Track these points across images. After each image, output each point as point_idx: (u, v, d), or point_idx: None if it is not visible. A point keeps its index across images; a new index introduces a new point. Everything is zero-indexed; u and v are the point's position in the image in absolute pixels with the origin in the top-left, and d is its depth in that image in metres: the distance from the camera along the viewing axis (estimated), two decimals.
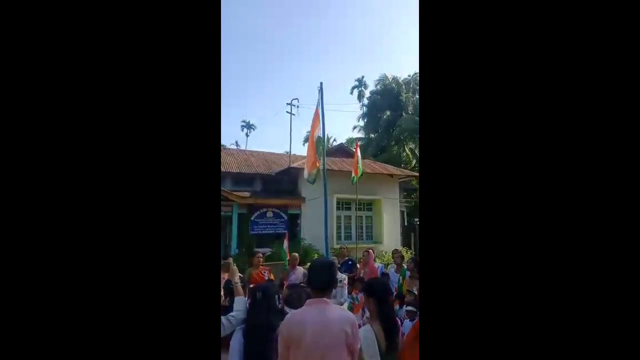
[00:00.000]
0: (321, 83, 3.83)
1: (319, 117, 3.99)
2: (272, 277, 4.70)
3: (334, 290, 3.70)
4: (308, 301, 1.43)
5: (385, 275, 4.61)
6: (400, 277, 4.39)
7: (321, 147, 3.98)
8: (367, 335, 1.61)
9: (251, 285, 3.39)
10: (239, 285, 1.98)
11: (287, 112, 12.06)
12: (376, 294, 1.80)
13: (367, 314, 2.11)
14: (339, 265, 5.04)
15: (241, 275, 2.83)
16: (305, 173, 4.86)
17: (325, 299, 1.41)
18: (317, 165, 4.20)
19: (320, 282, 1.45)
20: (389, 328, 1.69)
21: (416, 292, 3.23)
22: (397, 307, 3.49)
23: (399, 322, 2.34)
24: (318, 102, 3.98)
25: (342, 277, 4.01)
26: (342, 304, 3.58)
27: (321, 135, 3.95)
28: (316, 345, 1.26)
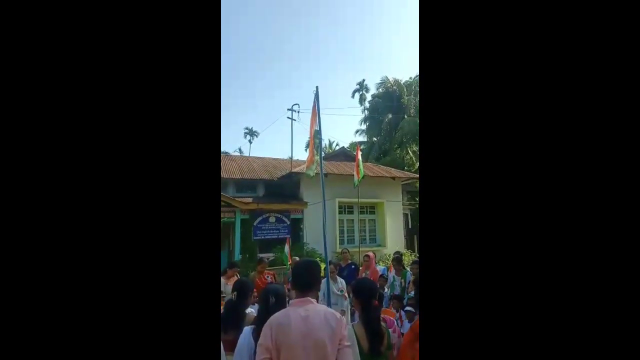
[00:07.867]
0: (317, 87, 3.93)
1: (315, 114, 4.07)
2: (275, 281, 4.70)
3: (335, 299, 3.68)
4: (291, 302, 1.43)
5: (383, 277, 4.61)
6: (402, 280, 4.38)
7: (317, 140, 4.04)
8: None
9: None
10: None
11: (287, 117, 12.15)
12: (361, 296, 1.80)
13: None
14: (342, 269, 5.04)
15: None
16: (305, 168, 4.95)
17: (308, 298, 1.41)
18: (314, 158, 4.24)
19: (303, 281, 1.46)
20: (373, 330, 1.68)
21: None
22: (389, 309, 3.48)
23: (396, 324, 2.34)
24: (314, 102, 4.06)
25: (342, 286, 3.97)
26: (344, 313, 3.53)
27: (317, 129, 4.01)
28: (302, 344, 1.26)
